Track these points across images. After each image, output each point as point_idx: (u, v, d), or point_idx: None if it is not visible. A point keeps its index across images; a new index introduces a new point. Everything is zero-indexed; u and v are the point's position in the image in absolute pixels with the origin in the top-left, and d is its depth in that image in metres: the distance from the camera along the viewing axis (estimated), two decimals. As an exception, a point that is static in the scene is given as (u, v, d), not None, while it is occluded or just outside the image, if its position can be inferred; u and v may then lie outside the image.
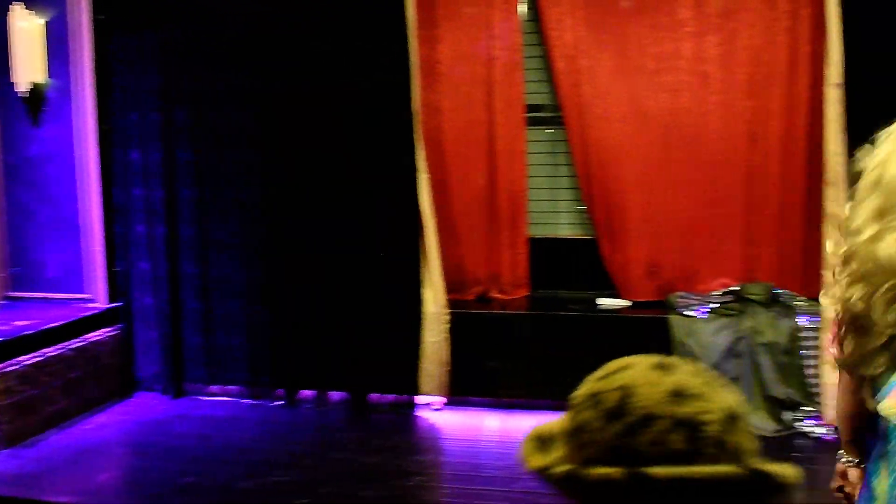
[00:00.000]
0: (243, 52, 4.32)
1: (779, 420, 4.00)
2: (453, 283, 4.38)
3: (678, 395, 0.92)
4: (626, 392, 0.92)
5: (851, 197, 1.51)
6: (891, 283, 1.33)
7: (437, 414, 4.31)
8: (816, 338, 3.99)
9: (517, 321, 4.31)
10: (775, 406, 4.02)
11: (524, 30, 4.41)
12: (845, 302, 1.41)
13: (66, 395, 4.27)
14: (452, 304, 4.30)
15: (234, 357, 4.51)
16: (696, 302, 4.20)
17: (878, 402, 1.39)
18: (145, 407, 4.56)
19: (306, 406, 4.51)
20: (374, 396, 4.39)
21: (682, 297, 4.25)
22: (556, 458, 0.94)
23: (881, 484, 1.50)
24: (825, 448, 3.83)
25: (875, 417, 1.44)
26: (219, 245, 4.41)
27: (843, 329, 1.46)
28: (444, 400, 4.31)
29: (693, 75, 4.22)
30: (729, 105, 4.20)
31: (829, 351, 1.86)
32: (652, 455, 0.89)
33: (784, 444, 3.89)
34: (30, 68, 4.46)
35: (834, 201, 3.86)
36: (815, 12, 3.93)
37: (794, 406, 4.03)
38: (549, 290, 4.52)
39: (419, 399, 4.31)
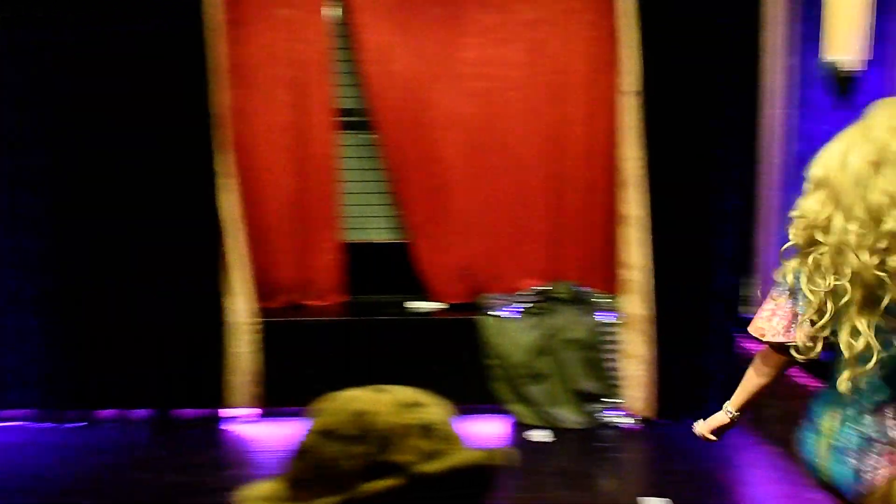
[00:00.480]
0: (28, 48, 4.04)
1: (584, 412, 4.25)
2: (265, 291, 4.32)
3: (407, 405, 1.03)
4: (360, 417, 1.01)
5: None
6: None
7: (247, 427, 4.22)
8: (616, 333, 4.29)
9: (331, 328, 4.30)
10: (581, 399, 4.27)
11: (335, 33, 4.42)
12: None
13: None
14: (264, 312, 4.24)
15: (22, 378, 4.19)
16: (505, 302, 4.37)
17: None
18: None
19: (106, 426, 4.27)
20: (181, 412, 4.23)
21: (492, 298, 4.42)
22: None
23: (828, 423, 1.86)
24: (627, 437, 4.16)
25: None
26: (4, 255, 4.12)
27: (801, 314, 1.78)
28: (257, 412, 4.24)
29: (500, 81, 4.38)
30: (534, 111, 4.41)
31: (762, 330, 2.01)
32: (410, 460, 0.99)
33: (591, 435, 4.15)
34: None
35: (630, 203, 4.17)
36: (616, 23, 4.17)
37: (598, 398, 4.29)
38: (364, 296, 4.55)
39: (228, 413, 4.20)
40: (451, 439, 1.05)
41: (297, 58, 4.31)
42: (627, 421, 4.25)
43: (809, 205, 1.74)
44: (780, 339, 1.94)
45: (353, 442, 1.00)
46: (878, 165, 1.63)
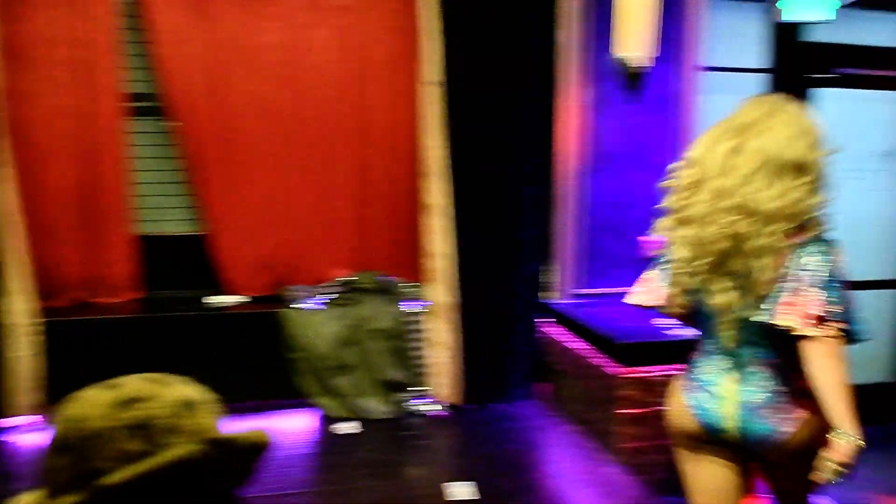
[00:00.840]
0: None
1: (392, 402, 4.30)
2: (48, 289, 4.08)
3: (124, 404, 0.98)
4: (67, 423, 0.97)
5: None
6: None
7: (30, 436, 3.89)
8: (421, 322, 4.35)
9: (123, 326, 4.11)
10: (388, 389, 4.32)
11: (124, 12, 4.19)
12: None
13: None
14: (47, 312, 3.99)
15: None
16: (309, 294, 4.35)
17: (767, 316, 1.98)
18: None
19: None
20: None
21: (296, 289, 4.38)
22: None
23: (726, 386, 2.09)
24: (434, 424, 4.24)
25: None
26: None
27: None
28: (40, 420, 3.91)
29: (304, 68, 4.32)
30: (339, 99, 4.37)
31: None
32: (114, 467, 0.94)
33: (399, 424, 4.21)
34: None
35: (432, 192, 4.21)
36: (416, 13, 4.19)
37: (405, 387, 4.35)
38: (162, 291, 4.40)
39: (8, 422, 3.89)
40: (177, 431, 0.98)
41: (81, 37, 4.05)
42: (434, 408, 4.33)
43: (682, 180, 2.10)
44: (655, 302, 2.27)
45: (59, 453, 0.95)
46: (736, 152, 2.02)
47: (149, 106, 4.33)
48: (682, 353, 3.49)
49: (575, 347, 4.16)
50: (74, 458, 0.95)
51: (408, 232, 4.52)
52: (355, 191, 4.49)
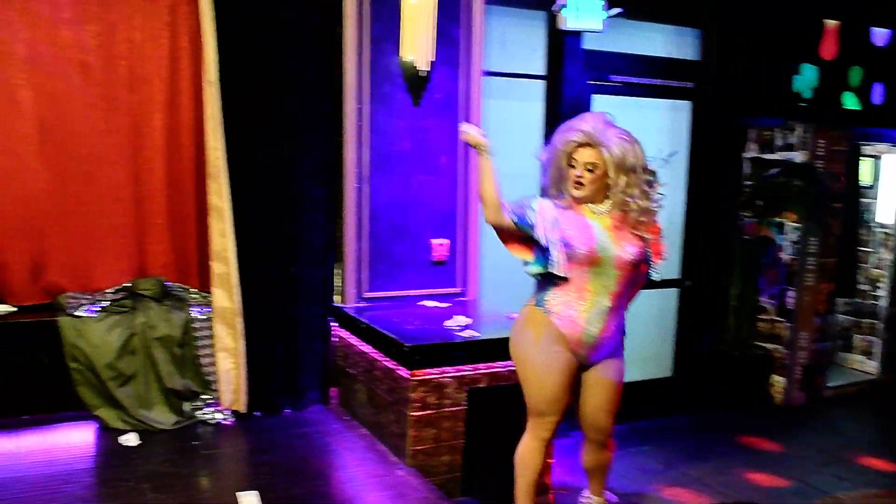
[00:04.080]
0: None
1: (179, 411, 4.54)
2: None
3: None
4: None
5: None
6: None
7: None
8: (210, 328, 4.61)
9: None
10: (175, 398, 4.54)
11: None
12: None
13: None
14: None
15: None
16: (87, 301, 4.50)
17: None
18: None
19: None
20: None
21: (72, 297, 4.53)
22: None
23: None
24: (222, 432, 4.50)
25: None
26: None
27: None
28: None
29: (72, 66, 4.45)
30: (112, 99, 4.54)
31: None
32: None
33: (185, 434, 4.43)
34: None
35: (216, 194, 4.46)
36: (194, 10, 4.44)
37: (192, 396, 4.59)
38: None
39: None
40: None
41: None
42: (222, 417, 4.61)
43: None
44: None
45: None
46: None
47: None
48: (470, 353, 4.06)
49: (364, 351, 4.48)
50: None
51: (191, 236, 4.75)
52: (133, 194, 4.66)
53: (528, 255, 3.42)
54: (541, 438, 3.53)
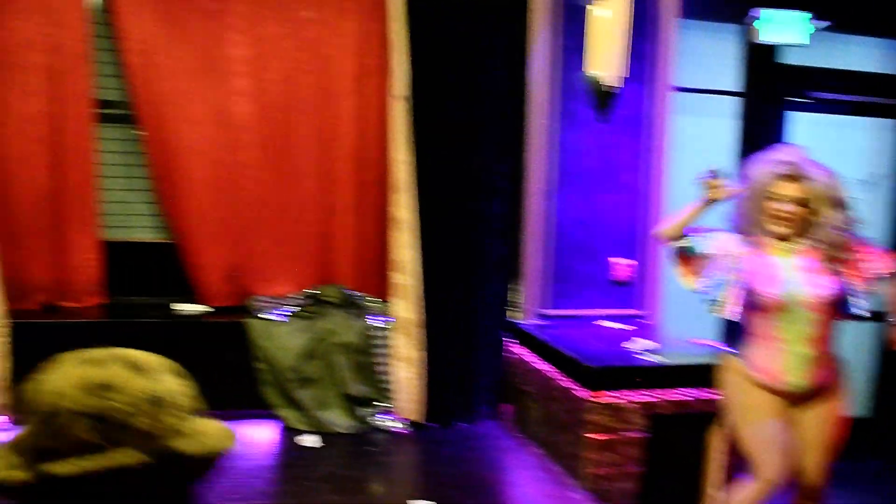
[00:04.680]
0: None
1: (355, 416, 4.70)
2: (16, 291, 4.47)
3: (93, 389, 1.06)
4: (39, 390, 1.08)
5: None
6: None
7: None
8: (387, 337, 4.74)
9: (88, 330, 4.48)
10: (352, 403, 4.70)
11: (96, 19, 4.62)
12: None
13: None
14: (14, 313, 4.38)
15: None
16: (274, 305, 4.73)
17: None
18: None
19: None
20: None
21: (260, 300, 4.77)
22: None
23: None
24: (397, 441, 4.61)
25: None
26: None
27: None
28: (6, 420, 4.35)
29: (269, 80, 4.71)
30: (304, 111, 4.76)
31: None
32: (65, 452, 1.05)
33: (362, 439, 4.58)
34: None
35: (400, 207, 4.59)
36: (383, 27, 4.61)
37: (368, 402, 4.74)
38: (126, 297, 4.81)
39: None
40: (131, 431, 1.11)
41: (53, 44, 4.47)
42: (397, 425, 4.70)
43: None
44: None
45: (28, 415, 1.09)
46: None
47: (117, 113, 4.75)
48: (652, 379, 4.00)
49: (541, 369, 4.46)
50: (36, 427, 1.09)
51: (374, 246, 4.89)
52: (321, 203, 4.86)
53: (692, 284, 3.29)
54: (759, 492, 3.28)
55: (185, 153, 4.74)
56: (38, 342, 4.52)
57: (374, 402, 4.82)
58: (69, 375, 1.10)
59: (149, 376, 1.14)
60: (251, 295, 4.89)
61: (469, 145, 4.67)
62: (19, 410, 1.39)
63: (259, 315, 4.74)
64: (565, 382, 4.23)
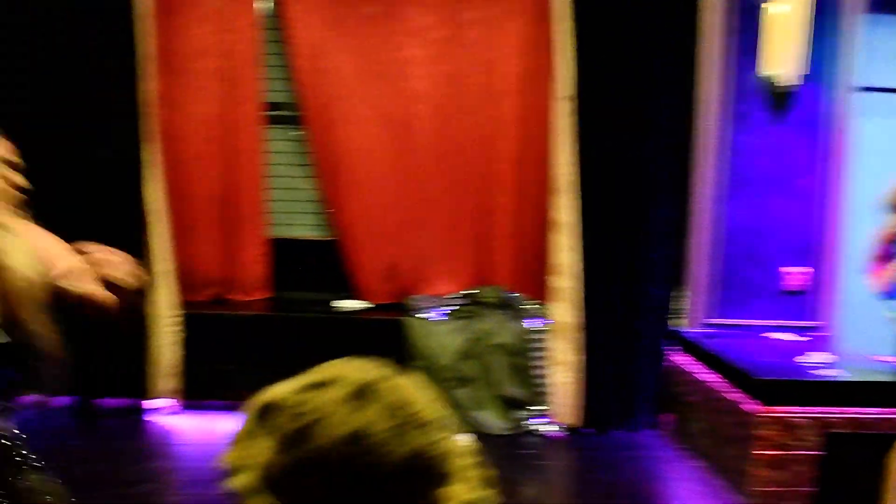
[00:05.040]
0: None
1: (510, 419, 4.69)
2: (189, 284, 4.72)
3: (356, 439, 0.91)
4: (309, 421, 0.92)
5: None
6: None
7: (168, 418, 4.65)
8: (544, 339, 4.71)
9: (254, 323, 4.73)
10: (506, 405, 4.70)
11: (266, 25, 4.82)
12: None
13: None
14: (187, 305, 4.65)
15: None
16: (432, 305, 4.78)
17: None
18: None
19: (26, 411, 4.96)
20: (103, 401, 4.71)
21: (418, 299, 4.83)
22: (250, 458, 0.97)
23: None
24: (551, 445, 4.59)
25: None
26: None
27: None
28: (177, 404, 4.71)
29: (433, 82, 4.78)
30: (467, 112, 4.80)
31: None
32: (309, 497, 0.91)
33: (516, 441, 4.58)
34: None
35: (561, 209, 4.55)
36: (549, 28, 4.55)
37: (523, 405, 4.72)
38: (289, 292, 4.99)
39: (149, 404, 4.65)
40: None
41: (226, 49, 4.70)
42: (552, 429, 4.67)
43: None
44: None
45: (287, 440, 0.94)
46: None
47: (284, 115, 4.95)
48: (830, 394, 3.81)
49: (706, 379, 4.33)
50: (291, 462, 0.94)
51: (533, 248, 4.87)
52: (481, 204, 4.90)
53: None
54: None
55: (349, 154, 4.88)
56: (208, 333, 4.76)
57: (529, 405, 4.79)
58: (341, 415, 0.94)
59: (408, 436, 0.97)
60: (410, 294, 4.96)
61: (634, 147, 4.57)
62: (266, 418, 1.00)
63: (417, 314, 4.80)
64: (733, 395, 4.09)
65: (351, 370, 1.00)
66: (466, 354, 4.78)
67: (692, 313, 4.76)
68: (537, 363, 4.81)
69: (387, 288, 5.01)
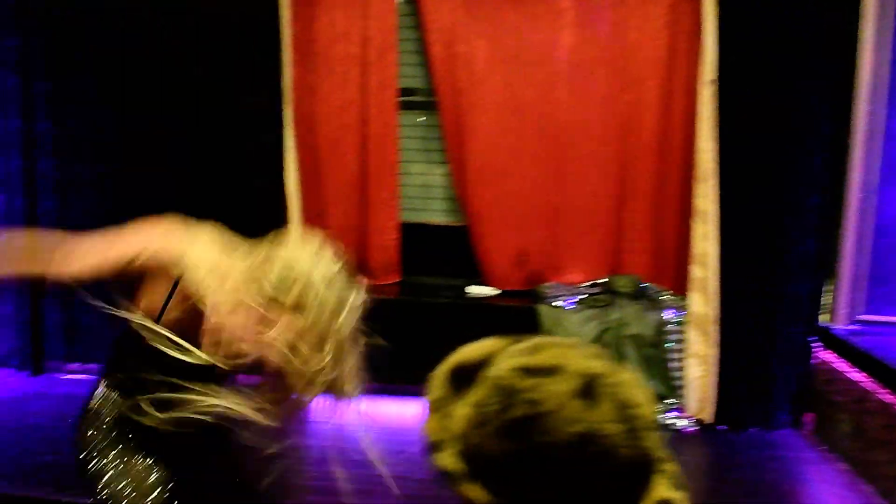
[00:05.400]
0: (105, 16, 4.69)
1: None
2: None
3: (589, 440, 0.87)
4: (537, 412, 0.87)
5: None
6: None
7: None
8: (681, 332, 4.57)
9: (386, 307, 4.91)
10: None
11: (401, 11, 4.83)
12: None
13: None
14: None
15: (96, 335, 4.98)
16: (564, 292, 4.71)
17: None
18: (2, 384, 4.98)
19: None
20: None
21: (550, 287, 4.76)
22: (447, 435, 0.93)
23: None
24: (684, 440, 4.46)
25: None
26: (78, 220, 4.95)
27: None
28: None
29: (570, 66, 4.68)
30: (604, 97, 4.68)
31: None
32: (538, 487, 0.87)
33: None
34: None
35: (702, 197, 4.39)
36: (694, 8, 4.38)
37: (657, 398, 4.68)
38: (419, 277, 5.01)
39: None
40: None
41: (362, 35, 4.74)
42: (684, 423, 4.56)
43: None
44: None
45: (504, 428, 0.89)
46: None
47: (417, 100, 4.97)
48: None
49: (855, 378, 4.13)
50: (513, 450, 0.89)
51: (670, 237, 4.74)
52: (615, 191, 4.78)
53: None
54: None
55: (481, 139, 4.84)
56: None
57: (662, 399, 4.67)
58: (571, 411, 0.90)
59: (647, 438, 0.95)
60: (540, 281, 4.90)
61: (782, 132, 4.36)
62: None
63: (549, 301, 4.74)
64: (885, 396, 3.87)
65: (572, 357, 0.94)
66: (599, 344, 4.70)
67: (841, 309, 4.52)
68: (671, 356, 4.67)
69: (517, 274, 4.97)
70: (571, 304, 4.74)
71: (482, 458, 0.90)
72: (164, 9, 4.69)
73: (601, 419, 0.88)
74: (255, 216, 4.68)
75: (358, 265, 5.11)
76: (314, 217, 4.86)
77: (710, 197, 4.43)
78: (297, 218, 4.74)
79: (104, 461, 2.05)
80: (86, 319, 5.08)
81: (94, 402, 2.10)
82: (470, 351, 1.01)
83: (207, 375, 2.01)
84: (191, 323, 1.98)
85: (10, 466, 4.01)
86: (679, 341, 4.66)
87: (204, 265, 1.90)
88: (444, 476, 0.93)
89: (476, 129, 4.83)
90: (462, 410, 0.94)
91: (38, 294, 5.07)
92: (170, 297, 1.98)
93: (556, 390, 0.89)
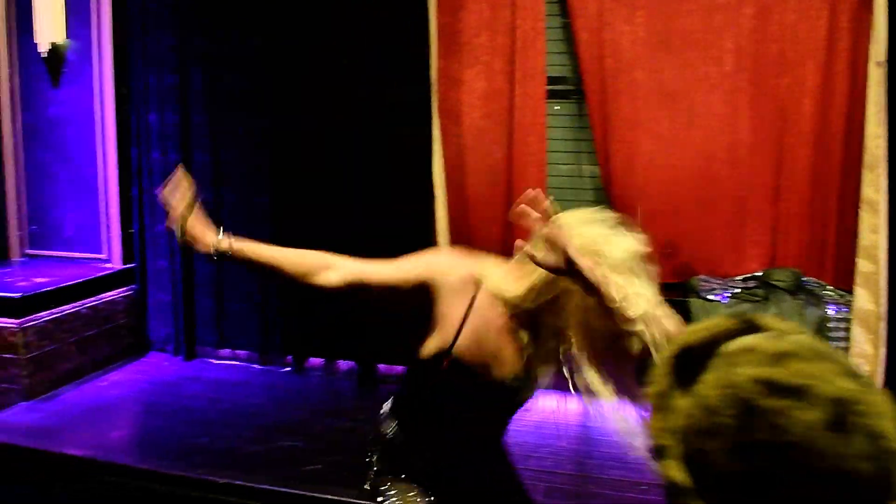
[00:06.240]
0: (257, 13, 4.84)
1: None
2: None
3: (838, 478, 0.81)
4: (783, 441, 0.81)
5: None
6: None
7: None
8: (846, 329, 4.34)
9: None
10: None
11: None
12: None
13: (80, 352, 4.93)
14: None
15: (244, 322, 5.11)
16: (718, 286, 4.53)
17: None
18: (157, 367, 5.21)
19: (315, 374, 5.12)
20: (384, 367, 4.95)
21: (703, 280, 4.59)
22: (669, 436, 0.88)
23: None
24: None
25: None
26: (232, 211, 5.08)
27: None
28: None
29: (722, 50, 4.49)
30: (760, 82, 4.47)
31: None
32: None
33: None
34: (50, 29, 5.06)
35: (871, 186, 4.18)
36: None
37: None
38: None
39: None
40: None
41: (509, 24, 4.70)
42: None
43: None
44: None
45: (740, 446, 0.83)
46: None
47: (564, 89, 4.89)
48: None
49: None
50: (745, 469, 0.83)
51: (833, 228, 4.51)
52: (772, 181, 4.56)
53: None
54: None
55: (629, 127, 4.71)
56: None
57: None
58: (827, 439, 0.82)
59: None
60: (691, 273, 4.74)
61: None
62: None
63: (702, 295, 4.58)
64: None
65: (821, 375, 0.83)
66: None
67: None
68: (834, 354, 4.44)
69: (666, 266, 4.81)
70: (725, 298, 4.54)
71: (710, 473, 0.84)
72: (314, 2, 4.77)
73: (853, 454, 0.81)
74: (403, 206, 4.78)
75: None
76: (459, 206, 4.87)
77: (879, 186, 4.20)
78: (443, 208, 4.73)
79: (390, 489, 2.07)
80: (234, 307, 5.25)
81: (388, 431, 2.10)
82: (692, 334, 0.93)
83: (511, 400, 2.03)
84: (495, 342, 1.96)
85: (167, 447, 4.18)
86: (842, 339, 4.42)
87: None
88: (669, 487, 0.88)
89: (623, 117, 4.70)
90: (685, 405, 0.88)
91: (190, 282, 5.27)
92: (465, 318, 1.94)
93: (805, 419, 0.81)
